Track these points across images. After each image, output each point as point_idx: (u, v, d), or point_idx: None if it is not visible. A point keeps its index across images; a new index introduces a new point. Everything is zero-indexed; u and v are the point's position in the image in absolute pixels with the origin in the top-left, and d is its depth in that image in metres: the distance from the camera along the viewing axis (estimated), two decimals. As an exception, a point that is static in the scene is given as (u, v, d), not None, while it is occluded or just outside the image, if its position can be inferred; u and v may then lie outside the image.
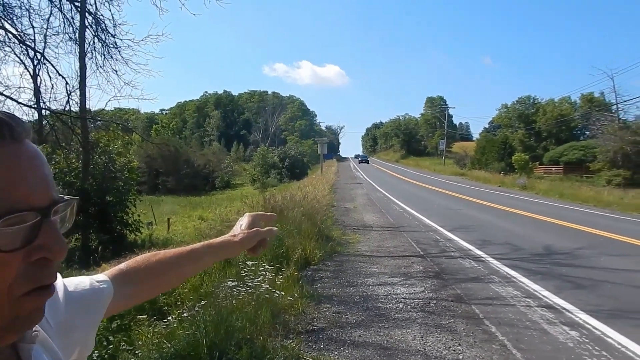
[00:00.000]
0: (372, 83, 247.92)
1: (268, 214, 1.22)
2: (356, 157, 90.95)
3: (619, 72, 79.74)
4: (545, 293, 6.22)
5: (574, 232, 11.59)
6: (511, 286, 6.55)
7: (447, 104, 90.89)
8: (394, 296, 6.03)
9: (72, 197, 0.65)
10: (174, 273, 1.05)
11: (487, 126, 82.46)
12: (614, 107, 41.75)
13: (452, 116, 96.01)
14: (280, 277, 5.99)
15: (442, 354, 4.26)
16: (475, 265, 7.85)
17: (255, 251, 1.11)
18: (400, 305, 5.63)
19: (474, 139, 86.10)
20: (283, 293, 5.44)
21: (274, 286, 5.51)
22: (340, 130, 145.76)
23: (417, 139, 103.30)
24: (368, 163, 76.99)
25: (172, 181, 42.06)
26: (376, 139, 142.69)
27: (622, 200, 19.94)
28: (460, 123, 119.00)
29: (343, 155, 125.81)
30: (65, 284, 0.86)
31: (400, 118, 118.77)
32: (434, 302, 5.80)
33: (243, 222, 1.15)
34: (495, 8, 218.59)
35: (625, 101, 40.39)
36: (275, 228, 1.17)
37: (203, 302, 4.91)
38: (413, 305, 5.66)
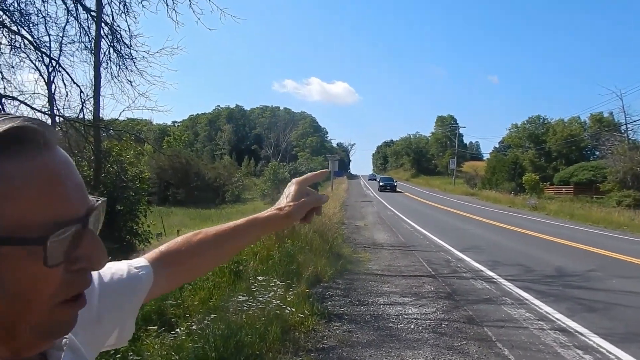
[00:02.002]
0: (382, 101, 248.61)
1: (318, 172, 1.16)
2: (370, 178, 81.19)
3: (627, 92, 79.17)
4: (558, 315, 6.12)
5: (585, 254, 11.44)
6: (524, 308, 6.46)
7: (457, 123, 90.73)
8: (405, 316, 5.96)
9: (101, 198, 0.63)
10: (216, 251, 1.02)
11: (497, 146, 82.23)
12: (624, 127, 41.43)
13: (462, 135, 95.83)
14: (290, 293, 5.94)
15: (455, 377, 4.18)
16: (487, 286, 7.76)
17: (307, 220, 1.06)
18: (412, 326, 5.56)
19: (484, 158, 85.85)
20: (293, 309, 5.40)
21: (285, 302, 5.48)
22: (351, 147, 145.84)
23: (428, 157, 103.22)
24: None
25: (183, 193, 42.24)
26: (387, 157, 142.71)
27: (632, 222, 19.70)
28: (471, 142, 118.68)
29: (354, 173, 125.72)
30: (101, 274, 0.85)
31: (411, 136, 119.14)
32: (446, 323, 5.72)
33: (289, 191, 1.08)
34: (499, 27, 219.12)
35: (635, 121, 40.17)
36: (325, 195, 1.10)
37: (212, 316, 4.88)
38: (424, 326, 5.59)
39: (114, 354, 4.25)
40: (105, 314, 0.82)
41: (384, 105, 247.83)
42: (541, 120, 66.56)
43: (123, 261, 0.92)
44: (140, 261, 0.93)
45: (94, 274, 0.83)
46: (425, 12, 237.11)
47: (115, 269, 0.88)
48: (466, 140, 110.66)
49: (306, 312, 5.56)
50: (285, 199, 1.06)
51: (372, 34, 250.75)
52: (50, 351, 0.64)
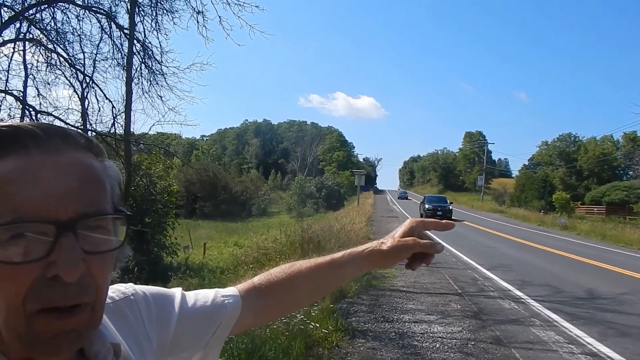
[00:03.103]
0: (408, 115, 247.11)
1: (444, 221, 1.01)
2: (401, 196, 74.27)
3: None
4: (589, 340, 5.95)
5: (618, 276, 11.12)
6: (553, 330, 6.30)
7: (486, 139, 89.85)
8: (431, 335, 5.88)
9: (119, 212, 0.62)
10: (312, 285, 0.96)
11: (526, 163, 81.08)
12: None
13: (491, 152, 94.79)
14: (315, 308, 5.94)
15: (481, 399, 4.11)
16: (515, 306, 7.61)
17: (412, 266, 0.94)
18: (437, 345, 5.49)
19: (513, 175, 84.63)
20: (318, 325, 5.39)
21: (309, 317, 5.48)
22: (378, 162, 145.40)
23: (455, 173, 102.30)
24: (407, 199, 67.44)
25: (210, 206, 42.68)
26: (413, 173, 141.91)
27: (667, 244, 19.07)
28: (499, 159, 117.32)
29: (380, 188, 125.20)
30: (186, 298, 0.85)
31: (439, 152, 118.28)
32: (472, 343, 5.63)
33: (400, 227, 0.96)
34: (528, 45, 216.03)
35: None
36: (440, 243, 0.96)
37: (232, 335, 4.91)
38: (450, 345, 5.51)
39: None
40: (181, 339, 0.81)
41: (410, 120, 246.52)
42: (572, 138, 65.47)
43: (213, 289, 0.91)
44: (230, 290, 0.91)
45: (177, 298, 0.84)
46: (453, 29, 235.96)
47: (201, 295, 0.88)
48: (495, 157, 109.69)
49: (330, 327, 5.54)
50: (394, 234, 0.96)
51: (398, 49, 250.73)
52: None
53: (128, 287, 0.80)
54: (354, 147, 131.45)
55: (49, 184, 0.55)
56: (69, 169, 0.57)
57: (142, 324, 0.77)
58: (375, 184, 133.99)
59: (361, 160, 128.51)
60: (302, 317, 5.32)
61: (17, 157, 0.55)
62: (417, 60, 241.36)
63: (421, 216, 27.88)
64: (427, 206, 31.18)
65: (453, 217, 30.11)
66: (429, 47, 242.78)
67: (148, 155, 16.57)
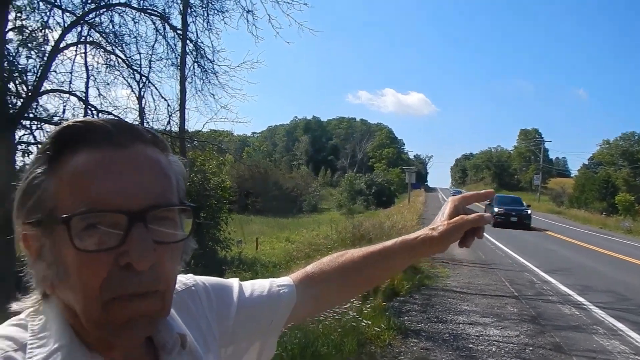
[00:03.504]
0: (460, 112, 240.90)
1: (482, 191, 1.00)
2: (455, 194, 72.57)
3: None
4: (659, 351, 5.62)
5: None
6: (617, 340, 5.99)
7: (542, 137, 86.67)
8: (486, 338, 5.73)
9: (184, 204, 0.64)
10: (364, 274, 0.96)
11: (586, 162, 77.74)
12: None
13: (547, 150, 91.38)
14: (367, 305, 5.90)
15: (541, 406, 3.95)
16: (576, 312, 7.29)
17: (466, 243, 0.93)
18: (493, 349, 5.33)
19: (571, 175, 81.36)
20: (370, 322, 5.35)
21: (361, 315, 5.45)
22: (429, 160, 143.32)
23: (510, 172, 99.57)
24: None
25: (261, 202, 43.26)
26: (466, 171, 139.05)
27: None
28: (557, 158, 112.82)
29: (431, 186, 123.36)
30: (243, 289, 0.87)
31: (492, 150, 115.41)
32: (530, 348, 5.43)
33: (444, 209, 0.95)
34: (587, 40, 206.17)
35: None
36: (489, 214, 0.94)
37: (290, 324, 4.94)
38: (507, 350, 5.34)
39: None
40: (240, 328, 0.83)
41: (462, 117, 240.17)
42: (636, 137, 62.13)
43: (268, 279, 0.92)
44: (285, 280, 0.92)
45: (235, 288, 0.86)
46: (508, 23, 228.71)
47: (257, 285, 0.89)
48: (552, 155, 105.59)
49: (382, 326, 5.49)
50: (440, 217, 0.94)
51: (448, 44, 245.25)
52: (163, 354, 0.67)
53: (189, 278, 0.82)
54: (403, 144, 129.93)
55: (120, 177, 0.58)
56: (138, 163, 0.60)
57: (204, 315, 0.79)
58: (427, 181, 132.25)
59: (411, 157, 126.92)
60: (354, 314, 5.29)
61: (89, 151, 0.59)
62: (470, 55, 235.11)
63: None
64: (496, 209, 23.45)
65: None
66: (481, 42, 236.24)
67: (202, 152, 17.00)
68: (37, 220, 0.59)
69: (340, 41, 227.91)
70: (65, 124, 0.62)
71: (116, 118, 0.70)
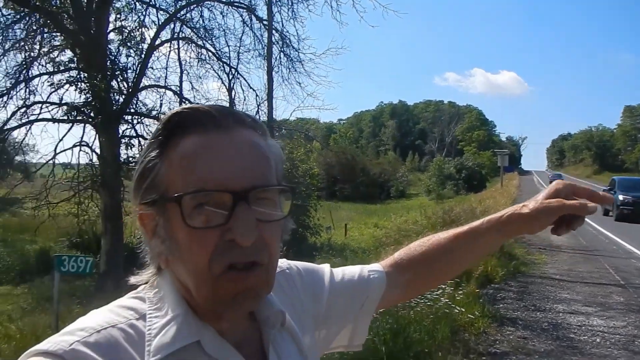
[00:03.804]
0: (555, 90, 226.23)
1: (600, 192, 0.89)
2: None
3: None
4: None
5: None
6: None
7: (652, 113, 79.33)
8: (589, 328, 5.41)
9: (283, 185, 0.68)
10: (452, 257, 0.94)
11: None
12: None
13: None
14: (459, 292, 5.78)
15: (653, 402, 3.69)
16: (694, 302, 6.68)
17: (559, 230, 0.86)
18: (597, 340, 5.03)
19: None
20: (463, 310, 5.24)
21: (454, 301, 5.35)
22: (522, 141, 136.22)
23: (613, 152, 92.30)
24: None
25: (349, 188, 43.47)
26: (563, 152, 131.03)
27: None
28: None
29: (525, 169, 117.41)
30: (334, 273, 0.90)
31: (592, 129, 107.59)
32: (640, 340, 5.07)
33: (544, 190, 0.88)
34: None
35: None
36: (592, 204, 0.84)
37: (381, 310, 4.96)
38: (613, 341, 5.02)
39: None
40: (332, 312, 0.87)
41: (559, 96, 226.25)
42: None
43: (358, 265, 0.95)
44: (375, 266, 0.95)
45: (326, 273, 0.90)
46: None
47: (348, 270, 0.93)
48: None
49: (476, 313, 5.36)
50: (535, 199, 0.87)
51: (541, 19, 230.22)
52: (265, 329, 0.72)
53: (283, 262, 0.86)
54: (495, 126, 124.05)
55: (224, 159, 0.62)
56: (241, 145, 0.64)
57: (298, 297, 0.83)
58: (520, 164, 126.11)
59: (503, 139, 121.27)
60: (447, 300, 5.21)
61: (197, 135, 0.63)
62: (564, 28, 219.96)
63: (607, 213, 18.33)
64: (621, 197, 17.37)
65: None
66: (577, 13, 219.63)
67: (290, 140, 17.37)
68: (152, 200, 0.64)
69: (425, 22, 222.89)
70: (174, 110, 0.66)
71: (220, 105, 0.75)
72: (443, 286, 5.65)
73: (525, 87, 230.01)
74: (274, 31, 11.79)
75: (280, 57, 12.20)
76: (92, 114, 10.39)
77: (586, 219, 0.88)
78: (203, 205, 0.60)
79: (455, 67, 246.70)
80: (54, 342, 0.58)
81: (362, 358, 4.03)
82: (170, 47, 11.71)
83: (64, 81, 10.43)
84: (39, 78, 10.62)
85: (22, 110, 10.39)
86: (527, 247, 10.58)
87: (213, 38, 11.78)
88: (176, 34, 11.52)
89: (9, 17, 10.07)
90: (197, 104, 0.68)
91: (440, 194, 41.06)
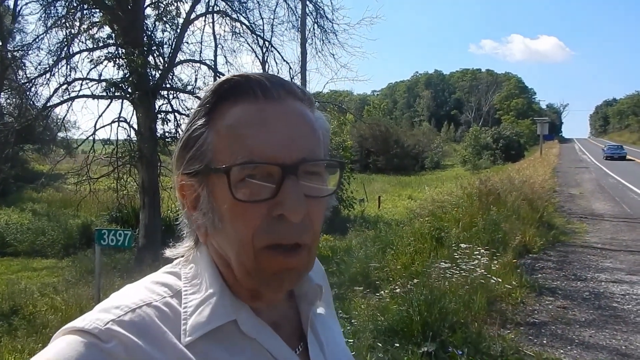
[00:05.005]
0: (599, 55, 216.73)
1: None
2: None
3: None
4: None
5: None
6: None
7: None
8: (634, 297, 5.24)
9: (333, 159, 0.65)
10: None
11: None
12: None
13: None
14: (495, 263, 5.67)
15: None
16: None
17: None
18: (642, 308, 4.86)
19: None
20: (500, 280, 5.14)
21: (490, 272, 5.25)
22: (563, 109, 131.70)
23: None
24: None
25: (382, 160, 43.15)
26: (607, 118, 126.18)
27: None
28: None
29: (566, 137, 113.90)
30: None
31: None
32: (688, 309, 4.86)
33: None
34: None
35: None
36: None
37: (415, 281, 4.91)
38: (659, 309, 4.83)
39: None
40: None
41: (603, 59, 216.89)
42: None
43: None
44: None
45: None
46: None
47: None
48: None
49: (514, 283, 5.26)
50: None
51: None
52: (302, 305, 0.71)
53: None
54: (534, 94, 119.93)
55: (275, 130, 0.59)
56: (291, 117, 0.61)
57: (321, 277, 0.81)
58: (561, 132, 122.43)
59: (543, 107, 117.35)
60: (483, 271, 5.11)
61: (247, 103, 0.61)
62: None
63: None
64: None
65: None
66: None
67: (323, 113, 17.29)
68: (196, 170, 0.61)
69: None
70: (224, 77, 0.64)
71: (271, 73, 0.71)
72: (479, 256, 5.56)
73: (567, 52, 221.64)
74: (307, 2, 11.64)
75: (314, 29, 12.09)
76: (129, 90, 10.54)
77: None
78: (251, 178, 0.58)
79: (491, 34, 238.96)
80: (89, 320, 0.56)
81: (397, 329, 4.00)
82: (205, 20, 11.75)
83: (103, 57, 10.55)
84: (79, 55, 10.78)
85: (64, 87, 10.60)
86: (567, 217, 10.29)
87: (247, 10, 11.75)
88: (211, 7, 11.51)
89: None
90: (248, 72, 0.64)
91: (476, 164, 40.28)
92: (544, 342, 4.08)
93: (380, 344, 3.62)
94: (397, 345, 3.66)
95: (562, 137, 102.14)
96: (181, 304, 0.61)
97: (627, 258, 6.98)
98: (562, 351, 3.90)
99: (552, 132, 76.08)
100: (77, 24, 10.62)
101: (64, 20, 10.44)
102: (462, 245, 6.02)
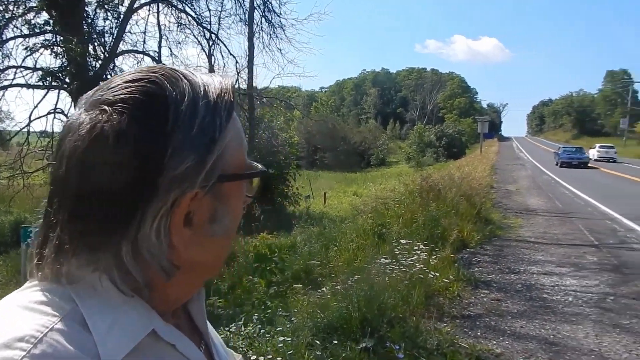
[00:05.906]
0: (537, 57, 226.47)
1: None
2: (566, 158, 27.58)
3: None
4: None
5: None
6: None
7: (631, 79, 79.74)
8: (562, 288, 5.48)
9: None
10: None
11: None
12: None
13: (637, 92, 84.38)
14: (434, 257, 5.80)
15: (622, 357, 3.75)
16: (665, 261, 6.80)
17: None
18: (570, 299, 5.10)
19: (664, 117, 74.84)
20: (438, 274, 5.25)
21: (428, 266, 5.36)
22: (503, 108, 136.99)
23: (593, 117, 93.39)
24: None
25: (329, 157, 43.50)
26: (544, 118, 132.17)
27: None
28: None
29: (505, 135, 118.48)
30: None
31: (573, 95, 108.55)
32: (612, 298, 5.14)
33: None
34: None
35: None
36: None
37: (356, 277, 4.94)
38: (585, 299, 5.08)
39: (265, 309, 4.54)
40: None
41: (540, 62, 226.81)
42: None
43: None
44: None
45: None
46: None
47: None
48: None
49: (451, 277, 5.38)
50: None
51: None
52: (191, 304, 0.68)
53: None
54: (476, 93, 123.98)
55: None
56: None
57: None
58: (500, 130, 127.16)
59: (484, 106, 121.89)
60: (422, 266, 5.21)
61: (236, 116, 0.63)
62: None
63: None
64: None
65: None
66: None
67: (270, 109, 17.17)
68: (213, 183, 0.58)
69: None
70: (225, 89, 0.62)
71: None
72: (418, 252, 5.67)
73: (506, 54, 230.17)
74: (256, -6, 11.51)
75: (261, 23, 11.97)
76: (67, 80, 10.05)
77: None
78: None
79: (435, 34, 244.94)
80: None
81: (337, 325, 4.01)
82: (149, 10, 11.36)
83: (39, 45, 10.01)
84: (13, 41, 10.16)
85: (-4, 75, 10.00)
86: (503, 212, 10.67)
87: (193, 1, 11.46)
88: (156, -3, 11.14)
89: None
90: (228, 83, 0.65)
91: (420, 161, 41.24)
92: (478, 334, 4.19)
93: (318, 342, 3.61)
94: (336, 342, 3.66)
95: (501, 136, 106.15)
96: (86, 321, 0.49)
97: (557, 251, 7.31)
98: (494, 342, 4.02)
99: (492, 130, 78.82)
100: (12, 7, 10.01)
101: (-3, 3, 9.84)
102: (403, 241, 6.12)
